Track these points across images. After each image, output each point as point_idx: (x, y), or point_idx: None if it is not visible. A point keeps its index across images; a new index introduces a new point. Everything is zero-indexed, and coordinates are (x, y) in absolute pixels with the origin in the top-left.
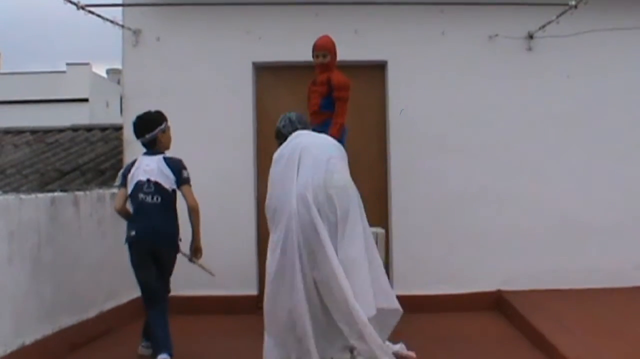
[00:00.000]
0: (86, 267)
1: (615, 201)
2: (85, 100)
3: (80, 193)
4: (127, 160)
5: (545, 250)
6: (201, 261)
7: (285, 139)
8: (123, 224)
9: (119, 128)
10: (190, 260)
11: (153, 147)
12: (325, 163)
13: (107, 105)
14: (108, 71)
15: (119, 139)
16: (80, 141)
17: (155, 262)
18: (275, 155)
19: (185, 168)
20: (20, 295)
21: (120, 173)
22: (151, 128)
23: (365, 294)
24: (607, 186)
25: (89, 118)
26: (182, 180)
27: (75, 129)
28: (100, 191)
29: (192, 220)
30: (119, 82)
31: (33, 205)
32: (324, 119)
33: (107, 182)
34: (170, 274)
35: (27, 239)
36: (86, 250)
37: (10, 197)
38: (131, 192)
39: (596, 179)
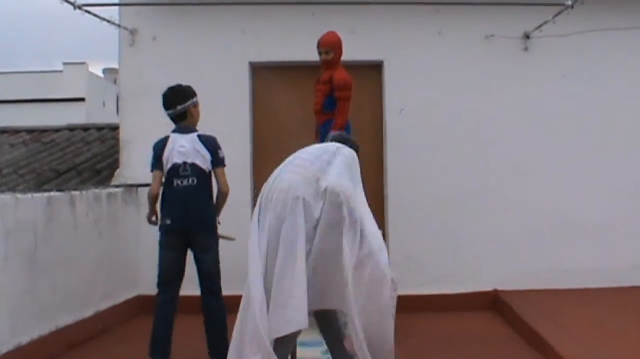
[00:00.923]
0: (83, 267)
1: (612, 201)
2: (82, 100)
3: (76, 193)
4: (124, 160)
5: (542, 250)
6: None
7: None
8: (120, 223)
9: (115, 128)
10: None
11: (183, 121)
12: (286, 165)
13: (104, 105)
14: (105, 71)
15: (116, 139)
16: (77, 141)
17: (191, 248)
18: None
19: (220, 148)
20: (17, 295)
21: (153, 154)
22: (184, 100)
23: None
24: (604, 185)
25: (86, 118)
26: (218, 161)
27: (71, 128)
28: (97, 190)
29: (219, 202)
30: (115, 82)
31: (29, 205)
32: (326, 119)
33: (103, 182)
34: (214, 260)
35: (23, 238)
36: (83, 250)
37: (7, 197)
38: (166, 177)
39: (593, 179)
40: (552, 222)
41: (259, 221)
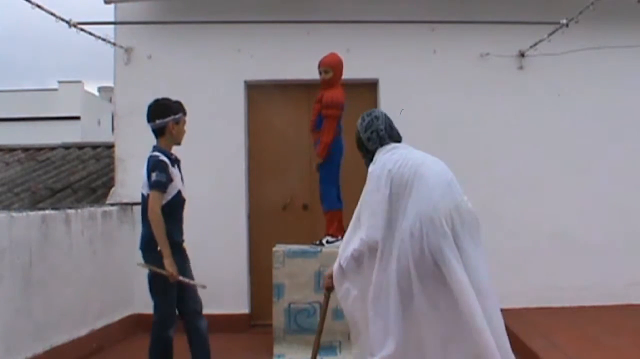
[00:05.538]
0: (77, 285)
1: (607, 219)
2: (77, 118)
3: (71, 211)
4: (119, 178)
5: (537, 268)
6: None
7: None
8: (115, 241)
9: (110, 146)
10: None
11: (161, 136)
12: (443, 176)
13: (99, 123)
14: (100, 89)
15: (111, 157)
16: (72, 159)
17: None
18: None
19: (153, 170)
20: (11, 313)
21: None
22: (163, 114)
23: None
24: (599, 203)
25: (81, 136)
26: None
27: (66, 147)
28: (92, 209)
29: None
30: (110, 100)
31: (24, 223)
32: (317, 137)
33: (98, 201)
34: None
35: (18, 257)
36: (77, 268)
37: (2, 215)
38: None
39: (588, 197)
40: (547, 239)
41: (456, 246)
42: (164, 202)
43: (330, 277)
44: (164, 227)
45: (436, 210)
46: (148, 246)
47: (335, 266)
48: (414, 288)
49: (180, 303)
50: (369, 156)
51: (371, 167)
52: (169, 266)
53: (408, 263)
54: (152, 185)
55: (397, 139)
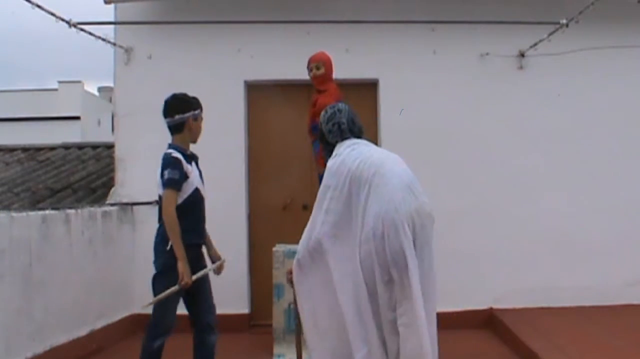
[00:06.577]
0: (77, 286)
1: (606, 219)
2: (77, 118)
3: (71, 211)
4: (119, 178)
5: (537, 268)
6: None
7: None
8: (115, 242)
9: (110, 146)
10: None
11: (178, 132)
12: (404, 178)
13: (99, 123)
14: (100, 89)
15: (111, 157)
16: (72, 159)
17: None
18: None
19: (166, 167)
20: (11, 313)
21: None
22: (183, 109)
23: None
24: (598, 203)
25: (81, 136)
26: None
27: (66, 147)
28: (92, 209)
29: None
30: (110, 100)
31: (24, 223)
32: (313, 140)
33: (98, 201)
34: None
35: (18, 257)
36: (77, 268)
37: (1, 215)
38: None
39: (587, 197)
40: (547, 239)
41: (415, 248)
42: (179, 200)
43: (291, 272)
44: (178, 228)
45: (398, 212)
46: (159, 248)
47: (295, 261)
48: (379, 288)
49: (194, 313)
50: (329, 149)
51: (330, 162)
52: (182, 268)
53: (372, 264)
54: (165, 183)
55: (358, 134)
